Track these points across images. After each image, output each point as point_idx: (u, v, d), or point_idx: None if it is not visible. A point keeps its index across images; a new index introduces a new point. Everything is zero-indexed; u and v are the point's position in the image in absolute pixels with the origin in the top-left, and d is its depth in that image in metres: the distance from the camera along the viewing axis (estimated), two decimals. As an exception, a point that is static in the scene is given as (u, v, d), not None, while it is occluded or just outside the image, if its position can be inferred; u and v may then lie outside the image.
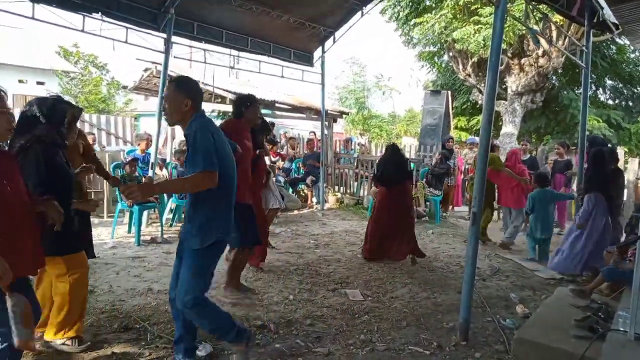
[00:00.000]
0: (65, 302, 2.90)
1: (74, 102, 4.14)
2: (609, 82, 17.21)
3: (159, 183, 3.60)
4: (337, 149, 11.72)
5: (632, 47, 12.85)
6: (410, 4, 13.73)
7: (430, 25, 12.46)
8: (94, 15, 6.41)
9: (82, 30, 6.50)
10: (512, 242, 6.61)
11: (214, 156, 2.53)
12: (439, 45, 13.93)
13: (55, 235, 2.47)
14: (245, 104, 4.13)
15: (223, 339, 2.86)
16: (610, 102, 17.48)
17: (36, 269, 2.34)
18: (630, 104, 17.12)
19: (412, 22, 13.39)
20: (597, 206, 5.01)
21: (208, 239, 2.61)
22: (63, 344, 2.95)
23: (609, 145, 7.73)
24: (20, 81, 21.46)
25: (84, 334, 3.13)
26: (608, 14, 6.06)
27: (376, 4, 9.26)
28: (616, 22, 6.15)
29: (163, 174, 7.80)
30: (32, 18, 5.97)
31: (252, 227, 4.04)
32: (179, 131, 9.88)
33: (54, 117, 2.79)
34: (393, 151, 5.91)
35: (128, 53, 10.56)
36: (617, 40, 12.19)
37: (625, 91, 17.18)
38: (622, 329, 2.87)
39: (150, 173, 7.05)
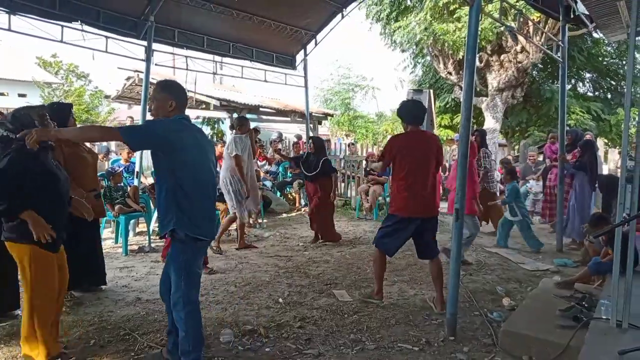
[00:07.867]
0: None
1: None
2: (587, 74, 17.49)
3: (56, 129, 3.04)
4: None
5: (607, 41, 13.07)
6: (392, 4, 13.85)
7: (411, 28, 12.54)
8: (73, 24, 6.36)
9: (61, 41, 6.44)
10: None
11: (143, 135, 2.69)
12: (419, 47, 14.03)
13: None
14: None
15: (181, 354, 2.71)
16: (590, 94, 17.75)
17: None
18: (609, 96, 17.42)
19: (392, 26, 13.49)
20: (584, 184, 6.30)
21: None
22: None
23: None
24: (1, 94, 21.14)
25: (72, 348, 3.12)
26: (582, 8, 6.19)
27: (356, 5, 9.31)
28: (590, 15, 6.28)
29: (149, 181, 7.73)
30: (9, 30, 5.90)
31: None
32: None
33: (20, 125, 2.75)
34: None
35: (109, 62, 10.49)
36: (594, 34, 12.40)
37: (603, 83, 17.48)
38: (604, 317, 2.95)
39: (135, 182, 6.98)
